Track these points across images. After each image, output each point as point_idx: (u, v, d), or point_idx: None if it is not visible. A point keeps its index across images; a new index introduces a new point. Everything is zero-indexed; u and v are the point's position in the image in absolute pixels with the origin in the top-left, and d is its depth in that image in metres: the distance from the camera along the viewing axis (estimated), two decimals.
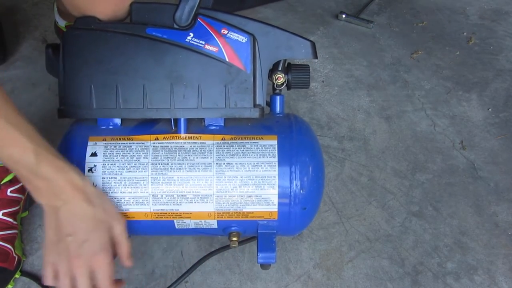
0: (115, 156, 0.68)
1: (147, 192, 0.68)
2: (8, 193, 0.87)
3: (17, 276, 0.87)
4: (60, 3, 1.06)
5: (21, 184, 0.90)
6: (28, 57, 1.25)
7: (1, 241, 0.85)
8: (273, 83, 0.74)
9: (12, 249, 0.86)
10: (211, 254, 0.90)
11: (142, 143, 0.69)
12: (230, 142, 0.69)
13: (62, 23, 1.10)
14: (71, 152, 0.69)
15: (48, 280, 0.64)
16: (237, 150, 0.69)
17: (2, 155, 0.60)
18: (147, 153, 0.69)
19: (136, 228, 0.73)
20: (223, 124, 0.71)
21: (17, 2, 1.37)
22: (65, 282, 0.64)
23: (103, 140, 0.70)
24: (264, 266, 0.73)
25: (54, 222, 0.63)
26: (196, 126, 0.71)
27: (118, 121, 0.72)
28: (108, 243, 0.65)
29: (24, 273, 0.88)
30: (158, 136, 0.70)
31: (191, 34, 0.68)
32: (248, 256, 0.92)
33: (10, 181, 0.87)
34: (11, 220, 0.88)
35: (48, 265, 0.64)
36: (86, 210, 0.63)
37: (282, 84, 0.74)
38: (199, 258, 0.90)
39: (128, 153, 0.69)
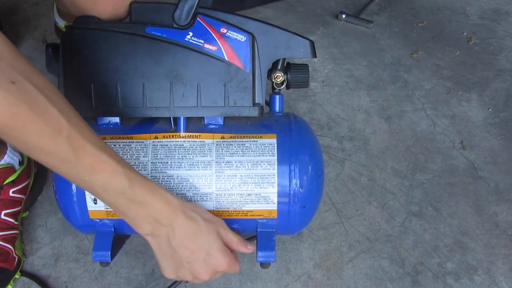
0: None
1: None
2: (11, 194, 0.87)
3: (17, 276, 0.87)
4: (60, 3, 1.06)
5: (23, 184, 0.90)
6: (28, 57, 1.24)
7: (1, 241, 0.85)
8: (273, 82, 0.74)
9: (12, 249, 0.86)
10: None
11: (142, 142, 0.69)
12: (230, 141, 0.69)
13: (61, 23, 1.10)
14: None
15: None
16: (236, 149, 0.69)
17: (92, 184, 0.54)
18: (147, 151, 0.69)
19: None
20: (222, 123, 0.71)
21: (17, 2, 1.37)
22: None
23: (102, 138, 0.69)
24: (264, 265, 0.73)
25: (167, 250, 0.62)
26: (196, 125, 0.71)
27: (117, 120, 0.72)
28: (223, 247, 0.64)
29: (24, 274, 0.88)
30: (158, 134, 0.70)
31: (191, 33, 0.68)
32: (248, 256, 0.91)
33: (12, 181, 0.87)
34: (12, 220, 0.88)
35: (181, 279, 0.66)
36: (193, 228, 0.61)
37: (282, 83, 0.74)
38: None
39: (128, 152, 0.69)
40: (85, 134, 0.52)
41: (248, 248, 0.67)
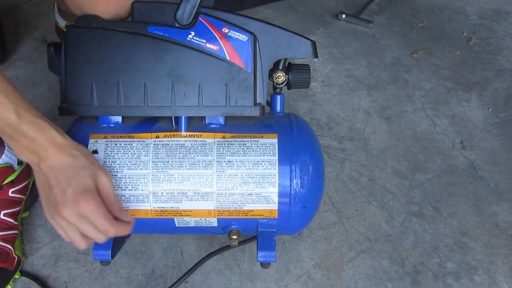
0: (116, 153, 0.68)
1: (147, 190, 0.68)
2: (10, 194, 0.87)
3: (16, 276, 0.87)
4: (61, 2, 1.06)
5: (23, 184, 0.90)
6: (28, 57, 1.25)
7: (1, 241, 0.85)
8: (274, 82, 0.74)
9: (12, 249, 0.86)
10: (211, 254, 0.90)
11: (143, 141, 0.69)
12: (231, 140, 0.69)
13: (62, 23, 1.10)
14: None
15: (65, 239, 0.64)
16: (237, 148, 0.69)
17: None
18: (148, 151, 0.69)
19: (136, 226, 0.72)
20: (223, 123, 0.71)
21: (17, 2, 1.37)
22: (71, 234, 0.63)
23: (104, 137, 0.70)
24: (264, 264, 0.73)
25: (41, 178, 0.63)
26: (197, 124, 0.71)
27: (119, 119, 0.72)
28: (91, 187, 0.62)
29: (24, 274, 0.88)
30: (159, 134, 0.70)
31: (192, 33, 0.68)
32: (248, 256, 0.92)
33: (12, 181, 0.87)
34: (12, 220, 0.88)
35: (53, 225, 0.64)
36: (66, 161, 0.62)
37: (283, 83, 0.74)
38: (199, 258, 0.90)
39: (129, 151, 0.69)
40: None
41: (124, 220, 0.65)
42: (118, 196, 0.68)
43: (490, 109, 1.20)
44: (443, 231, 0.97)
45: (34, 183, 0.95)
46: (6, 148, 0.87)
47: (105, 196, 0.63)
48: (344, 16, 1.42)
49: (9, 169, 0.86)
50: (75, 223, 0.61)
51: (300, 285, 0.89)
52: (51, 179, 0.62)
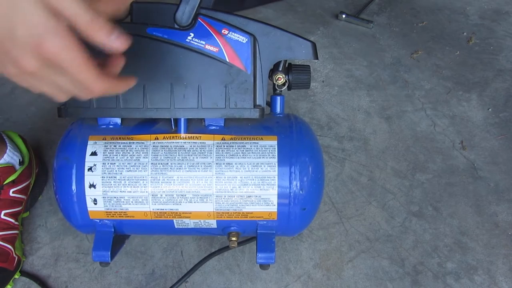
0: (115, 155, 0.68)
1: (146, 192, 0.68)
2: (11, 194, 0.87)
3: (16, 276, 0.87)
4: None
5: (24, 184, 0.90)
6: None
7: (1, 241, 0.85)
8: (274, 84, 0.74)
9: (12, 249, 0.86)
10: (211, 255, 0.90)
11: (142, 143, 0.69)
12: (230, 142, 0.69)
13: None
14: (71, 151, 0.69)
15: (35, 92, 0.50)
16: (237, 150, 0.69)
17: None
18: (147, 152, 0.69)
19: (135, 227, 0.73)
20: (223, 124, 0.71)
21: None
22: (44, 88, 0.49)
23: (103, 139, 0.70)
24: (264, 266, 0.73)
25: None
26: (196, 126, 0.71)
27: (118, 120, 0.72)
28: (48, 15, 0.43)
29: (24, 274, 0.88)
30: (158, 135, 0.70)
31: (192, 34, 0.68)
32: (248, 256, 0.92)
33: (13, 181, 0.87)
34: (12, 220, 0.88)
35: (12, 79, 0.48)
36: None
37: (283, 84, 0.74)
38: (199, 259, 0.90)
39: (128, 153, 0.69)
40: None
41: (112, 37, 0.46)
42: (117, 198, 0.68)
43: (490, 109, 1.20)
44: (443, 231, 0.97)
45: (34, 184, 0.96)
46: (8, 148, 0.87)
47: (75, 21, 0.44)
48: (344, 16, 1.42)
49: (10, 169, 0.87)
50: (44, 76, 0.46)
51: (300, 285, 0.89)
52: None
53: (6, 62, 0.45)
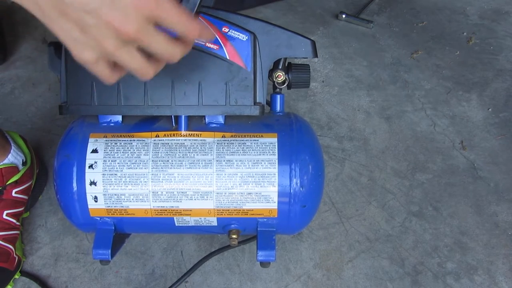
0: (115, 152, 0.68)
1: (147, 189, 0.68)
2: (13, 194, 0.87)
3: (16, 276, 0.87)
4: None
5: (26, 185, 0.90)
6: (28, 57, 1.25)
7: (2, 241, 0.85)
8: (274, 82, 0.74)
9: (13, 249, 0.86)
10: (211, 254, 0.90)
11: (143, 140, 0.69)
12: (231, 140, 0.69)
13: None
14: (72, 149, 0.69)
15: (107, 79, 0.50)
16: (237, 148, 0.69)
17: None
18: (148, 150, 0.69)
19: (136, 225, 0.73)
20: (223, 122, 0.71)
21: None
22: (136, 61, 0.48)
23: (104, 137, 0.70)
24: (264, 264, 0.73)
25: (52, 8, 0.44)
26: (197, 124, 0.71)
27: (119, 118, 0.72)
28: None
29: (24, 274, 0.88)
30: (159, 133, 0.70)
31: None
32: (248, 256, 0.91)
33: (15, 182, 0.87)
34: (14, 221, 0.88)
35: (96, 65, 0.48)
36: None
37: (283, 82, 0.74)
38: (199, 258, 0.90)
39: (129, 150, 0.69)
40: None
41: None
42: (118, 195, 0.68)
43: (490, 109, 1.20)
44: (443, 231, 0.97)
45: (35, 184, 0.95)
46: (13, 148, 0.87)
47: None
48: (344, 16, 1.42)
49: (13, 169, 0.87)
50: (146, 38, 0.46)
51: (300, 285, 0.89)
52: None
53: (104, 40, 0.45)
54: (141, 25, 0.45)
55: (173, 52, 0.49)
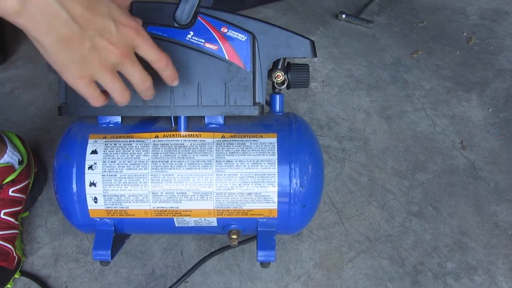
0: (115, 153, 0.68)
1: (147, 190, 0.68)
2: (10, 193, 0.87)
3: (16, 276, 0.87)
4: None
5: (23, 184, 0.90)
6: (28, 57, 1.25)
7: (2, 240, 0.85)
8: (273, 82, 0.74)
9: (12, 249, 0.86)
10: (211, 254, 0.90)
11: (142, 141, 0.69)
12: (230, 140, 0.69)
13: None
14: (72, 150, 0.69)
15: (96, 101, 0.55)
16: (237, 148, 0.69)
17: None
18: (147, 150, 0.69)
19: (136, 226, 0.73)
20: (223, 122, 0.71)
21: None
22: (116, 86, 0.54)
23: (103, 138, 0.70)
24: (264, 264, 0.73)
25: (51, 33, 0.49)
26: (196, 124, 0.71)
27: (118, 119, 0.72)
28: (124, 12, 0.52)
29: (24, 273, 0.88)
30: (158, 134, 0.70)
31: (191, 33, 0.68)
32: (248, 256, 0.91)
33: (12, 181, 0.87)
34: (12, 220, 0.88)
35: (82, 86, 0.53)
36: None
37: (282, 82, 0.74)
38: (199, 258, 0.90)
39: (128, 151, 0.69)
40: None
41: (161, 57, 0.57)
42: (118, 196, 0.68)
43: (490, 109, 1.20)
44: (443, 231, 0.97)
45: (34, 183, 0.96)
46: (8, 147, 0.87)
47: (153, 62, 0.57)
48: (344, 16, 1.42)
49: (9, 168, 0.87)
50: (130, 61, 0.53)
51: (300, 285, 0.89)
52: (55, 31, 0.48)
53: (95, 63, 0.51)
54: (125, 49, 0.52)
55: (146, 80, 0.57)
